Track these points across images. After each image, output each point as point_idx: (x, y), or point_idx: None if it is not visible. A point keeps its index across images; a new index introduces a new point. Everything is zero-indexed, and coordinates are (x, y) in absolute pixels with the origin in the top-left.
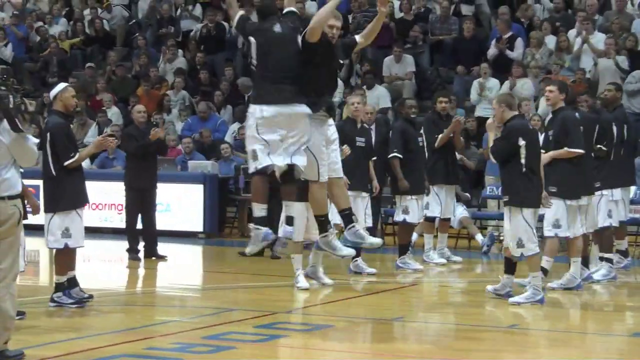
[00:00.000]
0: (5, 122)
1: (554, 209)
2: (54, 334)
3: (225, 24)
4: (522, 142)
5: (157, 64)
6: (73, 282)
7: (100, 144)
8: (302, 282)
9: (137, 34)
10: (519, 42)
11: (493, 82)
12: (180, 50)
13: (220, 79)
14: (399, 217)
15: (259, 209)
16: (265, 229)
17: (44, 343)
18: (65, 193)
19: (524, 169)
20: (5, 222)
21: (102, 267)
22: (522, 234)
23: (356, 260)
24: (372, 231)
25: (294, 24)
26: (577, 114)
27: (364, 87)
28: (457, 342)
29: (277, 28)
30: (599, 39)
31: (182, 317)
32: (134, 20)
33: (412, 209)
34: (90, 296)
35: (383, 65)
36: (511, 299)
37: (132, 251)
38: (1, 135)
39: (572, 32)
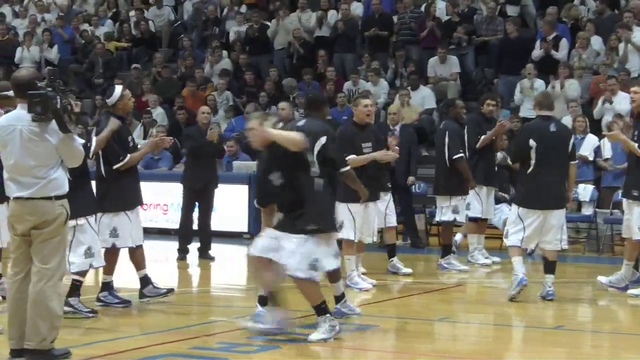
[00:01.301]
0: (54, 123)
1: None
2: (100, 333)
3: (269, 24)
4: (532, 144)
5: (202, 65)
6: (145, 281)
7: (155, 144)
8: (361, 282)
9: (182, 35)
10: (564, 43)
11: (539, 83)
12: (225, 52)
13: (265, 79)
14: (447, 216)
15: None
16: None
17: (90, 342)
18: (113, 194)
19: (530, 169)
20: (53, 222)
21: (148, 267)
22: (510, 226)
23: (392, 260)
24: (413, 230)
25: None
26: None
27: (409, 87)
28: (502, 343)
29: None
30: None
31: (228, 317)
32: (179, 22)
33: (461, 209)
34: (170, 290)
35: (428, 66)
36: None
37: (181, 251)
38: (50, 136)
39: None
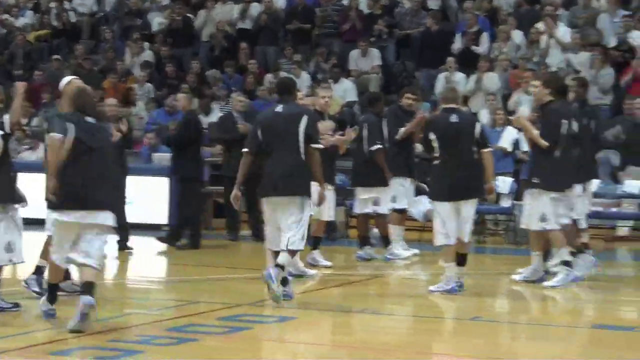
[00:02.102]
0: None
1: (538, 202)
2: (14, 326)
3: (192, 16)
4: (432, 136)
5: (123, 57)
6: (65, 275)
7: None
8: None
9: (104, 27)
10: (485, 37)
11: (459, 77)
12: (147, 43)
13: (188, 72)
14: (384, 208)
15: None
16: None
17: (3, 336)
18: None
19: (437, 162)
20: None
21: None
22: (435, 225)
23: (312, 253)
24: (332, 225)
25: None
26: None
27: (330, 80)
28: (420, 334)
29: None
30: (563, 33)
31: (146, 310)
32: (101, 13)
33: (383, 201)
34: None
35: (349, 59)
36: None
37: None
38: None
39: (538, 26)
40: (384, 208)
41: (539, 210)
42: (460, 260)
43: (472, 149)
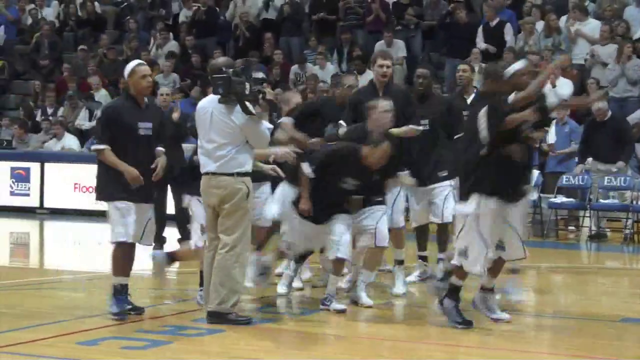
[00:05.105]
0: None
1: None
2: (44, 316)
3: (217, 8)
4: None
5: (148, 47)
6: None
7: None
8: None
9: (128, 17)
10: (508, 28)
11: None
12: (171, 34)
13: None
14: None
15: None
16: None
17: (34, 325)
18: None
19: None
20: (234, 196)
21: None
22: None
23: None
24: None
25: None
26: None
27: (355, 72)
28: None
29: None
30: (593, 26)
31: (170, 301)
32: (125, 3)
33: None
34: None
35: (375, 50)
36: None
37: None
38: (235, 117)
39: (564, 18)
40: None
41: None
42: None
43: None
